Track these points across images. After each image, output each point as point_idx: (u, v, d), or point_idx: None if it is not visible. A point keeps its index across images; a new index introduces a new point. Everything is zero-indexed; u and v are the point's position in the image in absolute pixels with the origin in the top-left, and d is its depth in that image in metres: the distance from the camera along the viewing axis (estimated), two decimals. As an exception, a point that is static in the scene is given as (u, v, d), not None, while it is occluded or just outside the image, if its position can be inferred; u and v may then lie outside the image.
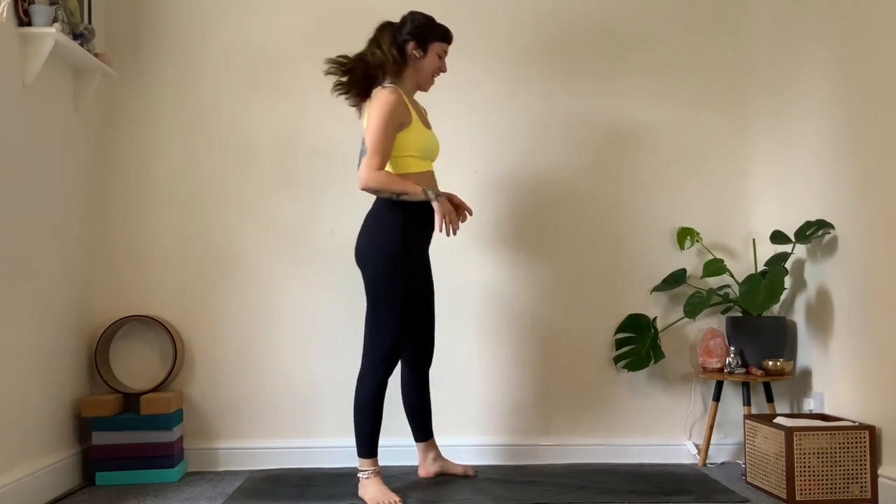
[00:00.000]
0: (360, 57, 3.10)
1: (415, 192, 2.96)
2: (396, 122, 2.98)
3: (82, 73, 3.40)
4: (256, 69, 3.72)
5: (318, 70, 3.72)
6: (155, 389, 3.50)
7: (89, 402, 3.36)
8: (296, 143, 3.71)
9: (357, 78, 3.08)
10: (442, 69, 3.17)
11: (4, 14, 2.83)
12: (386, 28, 3.11)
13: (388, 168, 3.03)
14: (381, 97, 2.98)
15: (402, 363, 3.31)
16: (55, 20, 3.02)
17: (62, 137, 3.32)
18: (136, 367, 3.63)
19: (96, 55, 3.36)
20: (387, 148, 2.96)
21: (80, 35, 3.27)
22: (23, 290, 2.99)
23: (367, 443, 3.07)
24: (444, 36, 3.14)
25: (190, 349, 3.65)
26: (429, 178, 3.12)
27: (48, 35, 2.97)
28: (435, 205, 2.96)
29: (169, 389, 3.57)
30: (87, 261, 3.54)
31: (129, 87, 3.68)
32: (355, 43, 3.71)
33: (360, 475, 3.09)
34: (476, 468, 3.49)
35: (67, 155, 3.37)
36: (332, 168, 3.71)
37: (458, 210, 3.11)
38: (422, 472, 3.36)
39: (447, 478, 3.36)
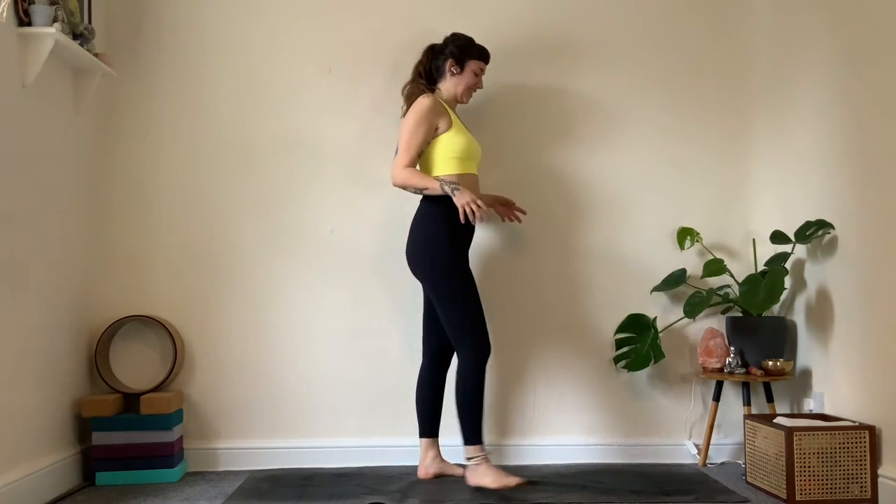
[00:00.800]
0: (409, 82, 3.42)
1: (433, 186, 3.16)
2: (428, 125, 3.23)
3: (82, 73, 3.40)
4: (257, 69, 3.72)
5: (318, 69, 3.75)
6: (155, 389, 3.50)
7: (89, 402, 3.36)
8: (296, 142, 3.71)
9: (410, 103, 3.35)
10: (478, 85, 3.45)
11: (4, 14, 2.83)
12: (430, 49, 3.44)
13: (437, 171, 3.25)
14: (417, 102, 3.27)
15: (425, 358, 3.40)
16: (55, 20, 3.02)
17: (62, 137, 3.32)
18: (136, 367, 3.63)
19: (96, 55, 3.36)
20: (414, 148, 3.21)
21: (80, 35, 3.27)
22: (23, 289, 2.99)
23: (478, 430, 3.17)
24: (481, 55, 3.42)
25: (190, 349, 3.65)
26: (473, 180, 3.31)
27: (48, 35, 2.97)
28: (454, 197, 3.12)
29: (169, 389, 3.57)
30: (87, 261, 3.54)
31: (129, 87, 3.68)
32: (355, 41, 3.74)
33: (470, 462, 3.16)
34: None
35: (67, 155, 3.37)
36: (332, 168, 3.71)
37: (509, 208, 3.57)
38: (421, 473, 3.37)
39: (447, 478, 3.36)
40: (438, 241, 3.19)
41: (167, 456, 3.38)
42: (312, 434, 3.65)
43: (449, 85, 3.39)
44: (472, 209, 3.09)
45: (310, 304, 3.68)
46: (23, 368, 2.99)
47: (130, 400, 3.50)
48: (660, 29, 3.83)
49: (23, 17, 2.96)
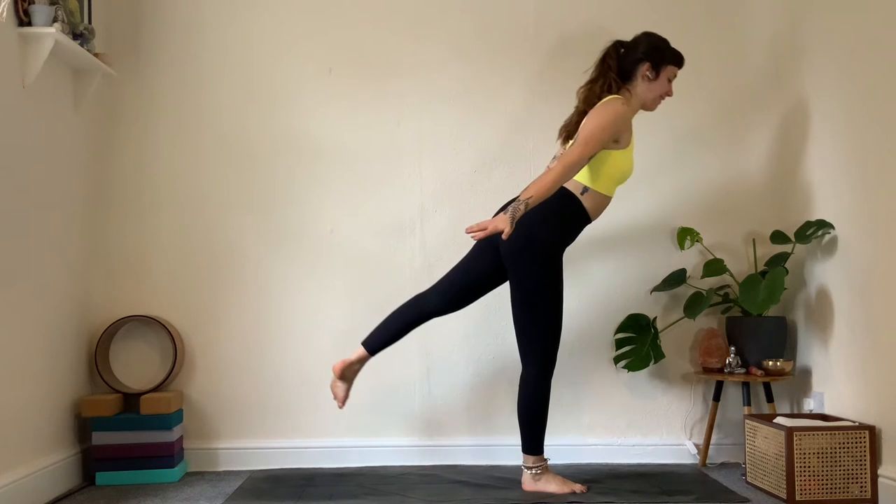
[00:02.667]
0: (592, 81, 3.14)
1: (533, 198, 2.84)
2: (614, 132, 2.99)
3: (82, 73, 3.40)
4: (257, 69, 3.72)
5: (318, 69, 3.75)
6: (155, 389, 3.50)
7: (89, 402, 3.36)
8: (296, 142, 3.71)
9: (591, 104, 3.08)
10: (669, 93, 3.19)
11: (4, 14, 2.83)
12: (618, 46, 3.17)
13: (588, 181, 3.04)
14: (613, 105, 3.01)
15: (435, 296, 3.22)
16: (55, 20, 3.02)
17: (62, 137, 3.32)
18: (136, 367, 3.63)
19: (96, 55, 3.37)
20: (593, 146, 2.93)
21: (80, 35, 3.27)
22: (23, 290, 2.99)
23: (539, 442, 3.15)
24: (678, 60, 3.17)
25: (190, 349, 3.65)
26: (606, 203, 3.14)
27: (48, 35, 2.97)
28: (516, 212, 2.82)
29: (169, 389, 3.57)
30: (87, 261, 3.54)
31: (129, 87, 3.68)
32: (356, 41, 3.74)
33: (531, 471, 3.15)
34: (476, 468, 3.55)
35: (67, 155, 3.37)
36: (332, 168, 3.71)
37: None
38: (337, 367, 3.22)
39: (448, 478, 3.38)
40: (556, 239, 3.03)
41: (167, 456, 3.38)
42: (312, 434, 3.65)
43: (640, 90, 3.12)
44: (483, 227, 2.81)
45: (310, 304, 3.68)
46: (23, 368, 2.99)
47: (130, 400, 3.50)
48: (659, 28, 3.82)
49: (23, 17, 2.96)
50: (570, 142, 3.09)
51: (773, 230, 3.53)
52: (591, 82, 3.14)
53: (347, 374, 3.27)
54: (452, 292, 3.23)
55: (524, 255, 3.03)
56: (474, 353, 3.72)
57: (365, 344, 3.26)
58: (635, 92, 3.13)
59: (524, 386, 3.13)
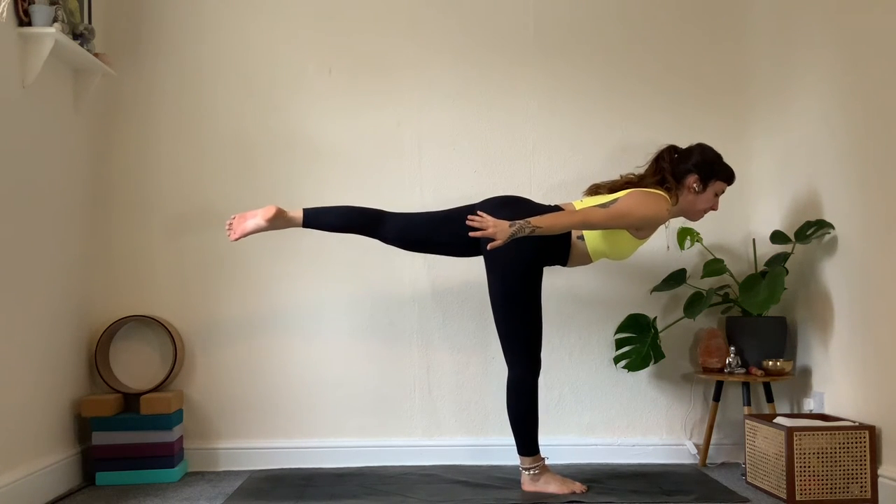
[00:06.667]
0: (643, 176, 3.17)
1: (537, 231, 2.86)
2: (638, 224, 3.01)
3: (82, 73, 3.40)
4: (257, 68, 3.72)
5: (318, 69, 3.75)
6: (155, 389, 3.50)
7: (89, 402, 3.36)
8: (296, 142, 3.72)
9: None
10: (714, 208, 3.20)
11: (4, 14, 2.83)
12: (672, 150, 3.18)
13: (588, 237, 3.06)
14: (660, 203, 3.02)
15: (384, 219, 3.18)
16: (55, 20, 3.02)
17: (62, 137, 3.32)
18: (136, 367, 3.63)
19: (96, 55, 3.37)
20: (619, 226, 2.98)
21: (80, 35, 3.28)
22: (23, 289, 2.99)
23: (533, 441, 3.15)
24: (728, 177, 3.18)
25: (190, 349, 3.65)
26: (585, 263, 3.18)
27: (48, 35, 2.98)
28: (511, 228, 2.81)
29: (169, 389, 3.57)
30: (87, 261, 3.54)
31: (129, 87, 3.68)
32: (356, 41, 3.74)
33: (528, 472, 3.16)
34: (476, 468, 3.54)
35: (67, 155, 3.37)
36: (332, 167, 3.72)
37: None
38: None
39: (448, 478, 3.37)
40: (528, 253, 3.03)
41: (167, 456, 3.38)
42: (312, 434, 3.65)
43: (685, 200, 3.15)
44: (485, 225, 2.80)
45: (310, 304, 3.68)
46: (23, 368, 2.99)
47: (130, 400, 3.50)
48: (659, 27, 3.83)
49: (23, 17, 2.96)
50: (599, 198, 3.11)
51: (773, 230, 3.53)
52: (642, 177, 3.16)
53: (275, 221, 3.09)
54: (411, 236, 3.17)
55: (503, 257, 3.03)
56: (474, 353, 3.72)
57: (306, 211, 3.14)
58: (680, 199, 3.14)
59: (510, 388, 3.14)
